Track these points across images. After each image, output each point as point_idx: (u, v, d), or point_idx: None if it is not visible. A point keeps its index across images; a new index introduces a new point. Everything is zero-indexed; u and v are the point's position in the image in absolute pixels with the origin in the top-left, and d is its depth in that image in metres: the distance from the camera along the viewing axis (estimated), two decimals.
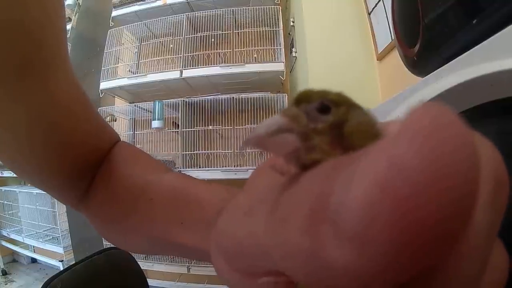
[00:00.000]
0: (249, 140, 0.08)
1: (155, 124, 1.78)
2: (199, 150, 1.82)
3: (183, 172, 1.63)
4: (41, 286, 0.66)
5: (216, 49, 1.94)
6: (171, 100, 1.84)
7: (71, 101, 0.23)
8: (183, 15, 1.89)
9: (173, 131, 1.91)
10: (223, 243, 0.13)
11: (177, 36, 1.93)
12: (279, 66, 1.71)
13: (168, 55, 1.97)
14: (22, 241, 2.51)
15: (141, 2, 1.99)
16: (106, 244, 1.88)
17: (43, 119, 0.21)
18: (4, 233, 2.70)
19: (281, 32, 1.81)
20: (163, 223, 0.20)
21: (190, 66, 1.82)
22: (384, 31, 1.20)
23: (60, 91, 0.21)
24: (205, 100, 1.82)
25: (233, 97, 1.77)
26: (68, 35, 2.17)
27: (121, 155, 0.25)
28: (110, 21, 2.04)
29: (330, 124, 0.08)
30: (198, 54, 1.92)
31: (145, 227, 0.21)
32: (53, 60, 0.21)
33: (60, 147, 0.22)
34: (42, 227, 2.39)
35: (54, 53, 0.20)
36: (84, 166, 0.24)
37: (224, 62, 1.84)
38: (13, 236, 2.60)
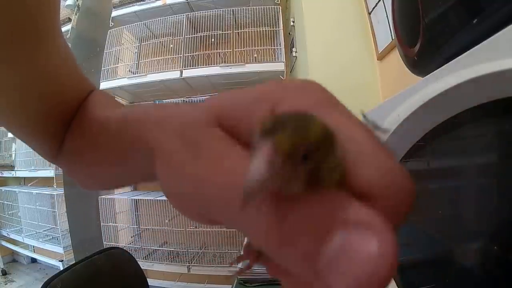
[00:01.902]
0: (247, 198, 0.08)
1: None
2: None
3: None
4: (41, 286, 0.66)
5: (216, 49, 1.94)
6: (171, 100, 1.84)
7: (64, 71, 0.24)
8: (183, 15, 1.89)
9: None
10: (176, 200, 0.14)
11: (177, 36, 1.93)
12: (279, 66, 1.71)
13: (168, 55, 1.97)
14: (22, 241, 2.51)
15: (141, 2, 1.99)
16: (106, 244, 1.88)
17: (35, 85, 0.22)
18: (4, 233, 2.71)
19: (281, 32, 1.81)
20: (135, 153, 0.19)
21: (190, 66, 1.82)
22: (385, 30, 1.20)
23: (52, 61, 0.23)
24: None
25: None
26: (68, 35, 2.17)
27: (93, 100, 0.26)
28: (110, 21, 2.04)
29: (309, 170, 0.08)
30: (198, 54, 1.92)
31: (121, 160, 0.20)
32: (45, 23, 0.21)
33: (49, 111, 0.24)
34: (42, 227, 2.39)
35: (46, 18, 0.21)
36: (67, 121, 0.25)
37: (224, 62, 1.84)
38: (13, 236, 2.60)
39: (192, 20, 1.92)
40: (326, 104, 0.11)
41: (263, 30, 1.87)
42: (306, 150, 0.08)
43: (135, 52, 2.19)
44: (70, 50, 0.26)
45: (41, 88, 0.23)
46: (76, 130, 0.25)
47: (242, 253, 0.17)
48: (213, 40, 1.90)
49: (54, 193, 2.25)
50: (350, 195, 0.09)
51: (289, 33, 1.89)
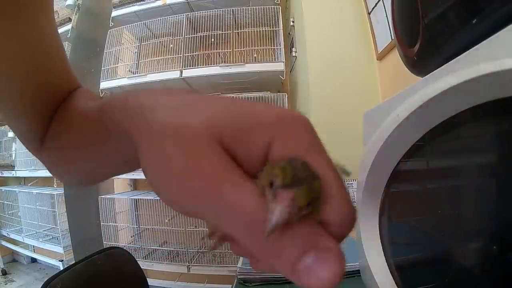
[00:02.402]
0: (271, 231, 0.12)
1: None
2: None
3: None
4: (41, 286, 0.66)
5: (216, 49, 1.94)
6: None
7: (52, 47, 0.26)
8: (183, 15, 1.89)
9: None
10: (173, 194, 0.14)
11: (177, 36, 1.93)
12: (279, 66, 1.71)
13: (168, 55, 1.97)
14: (22, 241, 2.51)
15: (141, 2, 1.99)
16: (106, 244, 1.88)
17: (27, 57, 0.23)
18: (4, 233, 2.70)
19: (281, 32, 1.81)
20: (113, 138, 0.19)
21: (190, 66, 1.82)
22: (384, 30, 1.20)
23: (43, 36, 0.24)
24: None
25: (233, 97, 1.76)
26: (68, 35, 2.17)
27: (78, 94, 0.27)
28: (110, 21, 2.04)
29: (306, 213, 0.13)
30: (198, 54, 1.92)
31: (99, 143, 0.21)
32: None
33: (37, 94, 0.25)
34: (42, 227, 2.39)
35: None
36: (53, 110, 0.26)
37: (224, 62, 1.84)
38: (13, 236, 2.60)
39: (192, 20, 1.92)
40: (314, 149, 0.14)
41: (263, 30, 1.87)
42: (311, 201, 0.13)
43: (135, 52, 2.19)
44: (62, 44, 0.27)
45: (31, 64, 0.24)
46: (60, 118, 0.25)
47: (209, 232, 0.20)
48: (213, 40, 1.90)
49: (54, 193, 2.25)
50: (320, 226, 0.13)
51: (289, 33, 1.89)
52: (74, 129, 0.23)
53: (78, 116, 0.23)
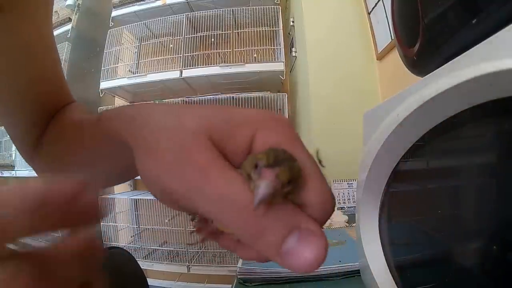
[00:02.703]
0: (259, 204, 0.13)
1: None
2: None
3: None
4: None
5: (216, 49, 1.93)
6: (171, 100, 1.84)
7: (47, 47, 0.27)
8: (183, 15, 1.89)
9: None
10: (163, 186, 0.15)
11: (177, 36, 1.93)
12: (279, 66, 1.71)
13: (168, 55, 1.97)
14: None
15: (141, 2, 1.99)
16: (106, 244, 1.88)
17: (24, 56, 0.25)
18: None
19: (281, 32, 1.81)
20: (108, 143, 0.20)
21: (190, 66, 1.82)
22: (384, 30, 1.20)
23: (39, 35, 0.25)
24: (205, 100, 1.82)
25: (233, 97, 1.77)
26: (68, 35, 2.17)
27: (70, 108, 0.29)
28: (110, 21, 2.04)
29: (288, 190, 0.14)
30: (198, 54, 1.92)
31: (94, 149, 0.22)
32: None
33: (34, 98, 0.27)
34: None
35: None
36: (48, 116, 0.27)
37: (224, 62, 1.84)
38: None
39: (192, 20, 1.91)
40: (292, 141, 0.16)
41: (262, 30, 1.87)
42: (291, 179, 0.14)
43: (135, 52, 2.19)
44: (57, 51, 0.29)
45: (32, 70, 0.25)
46: (58, 123, 0.27)
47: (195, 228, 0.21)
48: (213, 40, 1.90)
49: None
50: (301, 209, 0.14)
51: (289, 33, 1.89)
52: (71, 134, 0.24)
53: (76, 123, 0.24)
